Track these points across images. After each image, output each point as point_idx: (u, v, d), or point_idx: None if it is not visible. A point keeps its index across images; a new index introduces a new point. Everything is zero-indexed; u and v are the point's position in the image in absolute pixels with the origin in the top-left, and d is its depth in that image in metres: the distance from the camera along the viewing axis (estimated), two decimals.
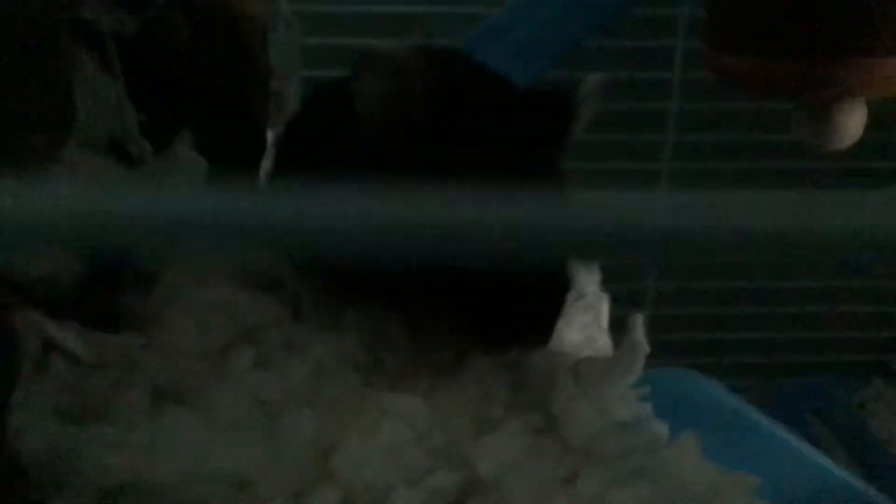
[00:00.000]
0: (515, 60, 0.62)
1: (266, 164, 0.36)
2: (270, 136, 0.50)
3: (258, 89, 0.34)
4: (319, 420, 0.22)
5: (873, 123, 0.53)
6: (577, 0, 0.60)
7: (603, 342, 0.36)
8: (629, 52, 0.70)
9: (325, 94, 0.34)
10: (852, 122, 0.52)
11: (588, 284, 0.38)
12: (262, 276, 0.30)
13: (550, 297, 0.29)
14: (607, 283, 0.39)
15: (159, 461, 0.21)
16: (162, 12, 0.26)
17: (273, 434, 0.22)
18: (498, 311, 0.27)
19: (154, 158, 0.29)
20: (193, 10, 0.28)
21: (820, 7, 0.46)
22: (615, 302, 0.38)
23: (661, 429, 0.29)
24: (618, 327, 0.32)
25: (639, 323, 0.32)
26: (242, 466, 0.22)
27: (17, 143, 0.22)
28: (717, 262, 0.79)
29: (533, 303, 0.28)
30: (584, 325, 0.36)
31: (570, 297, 0.30)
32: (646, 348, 0.32)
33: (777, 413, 0.89)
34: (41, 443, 0.21)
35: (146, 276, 0.29)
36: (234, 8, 0.31)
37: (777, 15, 0.48)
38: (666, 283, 0.81)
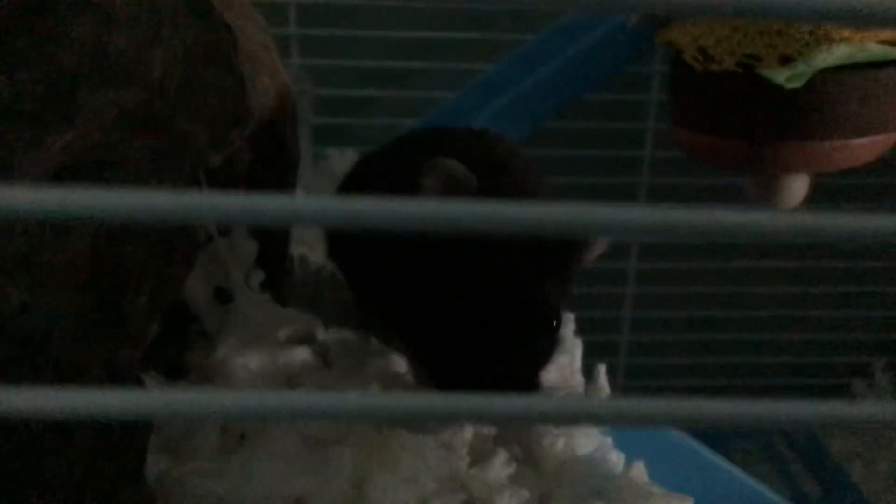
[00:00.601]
0: (507, 117, 0.65)
1: None
2: None
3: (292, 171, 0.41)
4: (354, 454, 0.30)
5: None
6: (571, 62, 0.65)
7: (576, 382, 0.42)
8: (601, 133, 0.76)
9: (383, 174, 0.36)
10: (795, 191, 0.59)
11: (565, 330, 0.44)
12: (297, 331, 0.36)
13: (543, 339, 0.31)
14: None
15: (237, 486, 0.28)
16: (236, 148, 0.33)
17: (320, 466, 0.29)
18: (488, 353, 0.29)
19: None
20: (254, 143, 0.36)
21: (761, 96, 0.53)
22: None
23: (618, 458, 0.37)
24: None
25: (602, 371, 0.40)
26: (299, 489, 0.29)
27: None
28: (694, 267, 0.83)
29: (524, 346, 0.30)
30: (561, 366, 0.42)
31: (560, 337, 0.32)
32: (608, 391, 0.39)
33: (744, 434, 0.95)
34: (153, 477, 0.28)
35: (209, 336, 0.36)
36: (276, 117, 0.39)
37: (725, 101, 0.55)
38: (644, 288, 0.86)
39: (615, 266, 0.85)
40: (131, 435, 0.25)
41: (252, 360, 0.34)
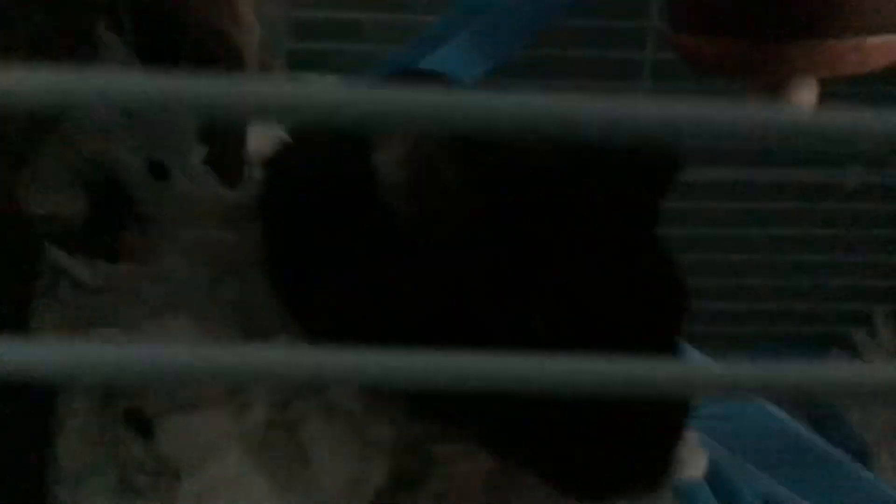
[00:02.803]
0: (458, 61, 0.62)
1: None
2: None
3: (242, 65, 0.37)
4: None
5: None
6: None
7: None
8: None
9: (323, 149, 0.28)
10: (802, 99, 0.56)
11: None
12: (244, 213, 0.33)
13: (667, 431, 0.24)
14: None
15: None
16: None
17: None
18: (603, 453, 0.23)
19: None
20: None
21: None
22: None
23: None
24: None
25: None
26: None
27: None
28: (680, 233, 0.82)
29: (646, 440, 0.23)
30: None
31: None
32: None
33: None
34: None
35: (144, 216, 0.32)
36: None
37: None
38: None
39: None
40: None
41: (188, 244, 0.31)
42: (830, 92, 0.57)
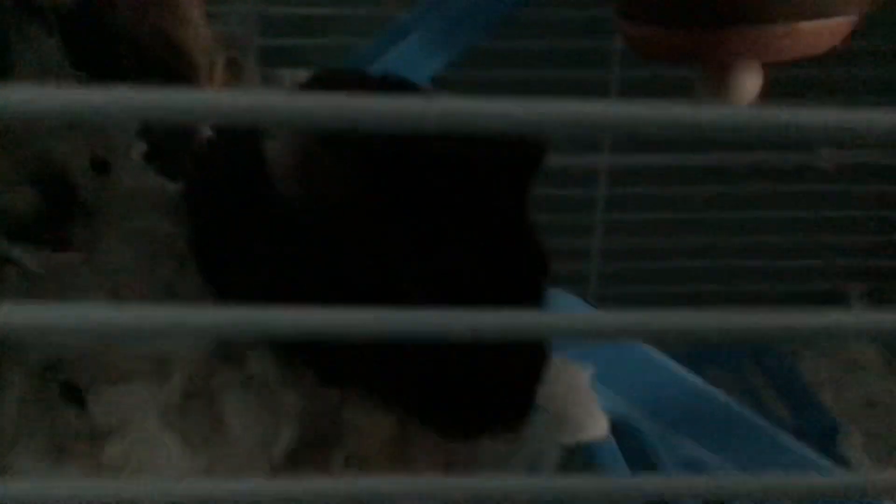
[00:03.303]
0: (424, 52, 0.63)
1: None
2: None
3: (189, 62, 0.39)
4: None
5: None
6: None
7: None
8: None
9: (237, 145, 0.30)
10: (748, 85, 0.57)
11: None
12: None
13: (527, 372, 0.26)
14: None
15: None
16: None
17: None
18: (467, 394, 0.25)
19: None
20: None
21: None
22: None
23: None
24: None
25: None
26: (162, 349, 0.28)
27: None
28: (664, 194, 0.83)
29: (507, 382, 0.25)
30: None
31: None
32: None
33: (716, 359, 0.95)
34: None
35: (88, 208, 0.35)
36: None
37: None
38: (614, 215, 0.84)
39: (584, 194, 0.83)
40: None
41: (127, 233, 0.33)
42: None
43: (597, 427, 0.31)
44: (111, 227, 0.34)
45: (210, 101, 0.13)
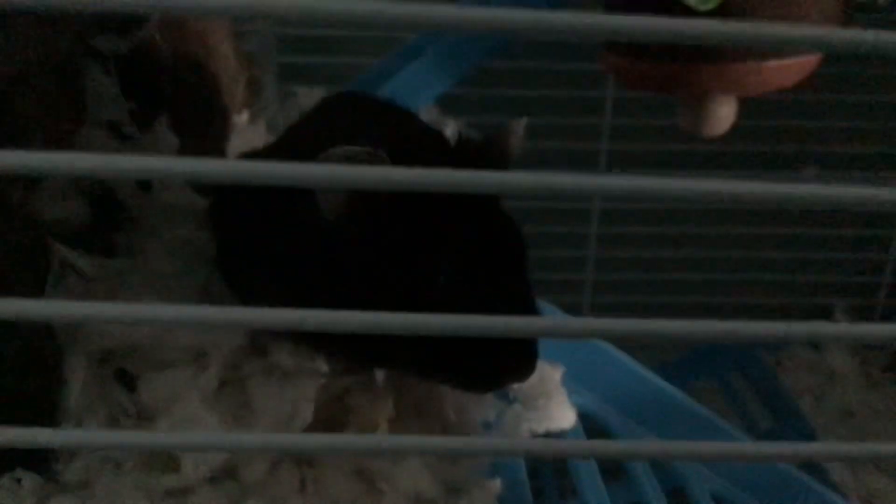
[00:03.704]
0: (433, 73, 0.67)
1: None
2: (245, 117, 0.60)
3: (217, 86, 0.45)
4: None
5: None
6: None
7: None
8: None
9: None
10: (723, 113, 0.61)
11: None
12: None
13: (525, 347, 0.30)
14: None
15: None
16: (145, 36, 0.37)
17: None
18: (482, 353, 0.30)
19: (141, 135, 0.41)
20: (170, 30, 0.39)
21: (678, 17, 0.56)
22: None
23: None
24: None
25: None
26: (200, 343, 0.33)
27: (49, 128, 0.34)
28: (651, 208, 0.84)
29: (512, 344, 0.30)
30: None
31: None
32: None
33: (703, 369, 0.99)
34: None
35: (133, 220, 0.40)
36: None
37: None
38: (606, 228, 0.88)
39: (578, 206, 0.87)
40: None
41: (167, 242, 0.39)
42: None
43: (565, 419, 0.36)
44: (153, 237, 0.39)
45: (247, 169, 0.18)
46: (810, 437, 0.85)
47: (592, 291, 0.91)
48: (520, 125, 0.34)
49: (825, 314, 0.95)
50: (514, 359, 0.30)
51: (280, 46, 0.80)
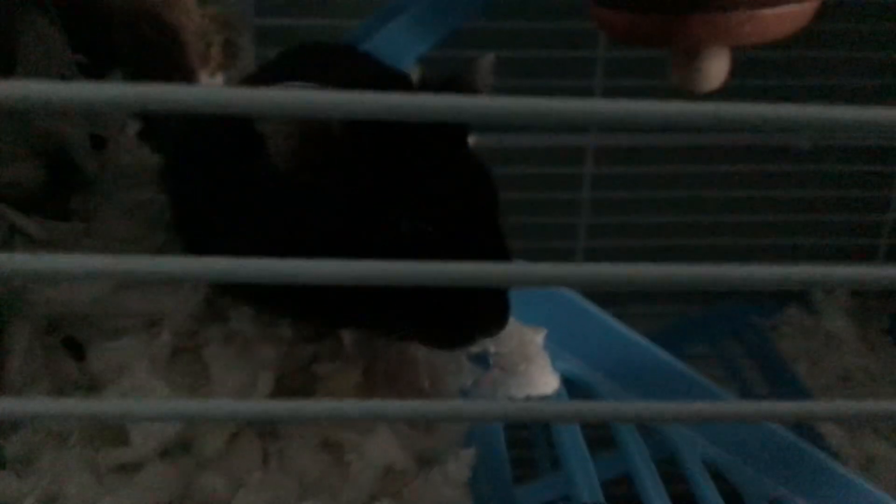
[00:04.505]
0: (414, 31, 0.65)
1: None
2: (221, 79, 0.57)
3: (177, 40, 0.42)
4: None
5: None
6: None
7: None
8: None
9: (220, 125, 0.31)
10: (715, 68, 0.59)
11: None
12: None
13: (495, 299, 0.29)
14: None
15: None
16: None
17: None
18: (449, 307, 0.28)
19: None
20: None
21: None
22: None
23: None
24: None
25: None
26: (153, 309, 0.31)
27: None
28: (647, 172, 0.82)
29: (483, 298, 0.28)
30: None
31: None
32: None
33: (698, 335, 0.97)
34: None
35: (92, 183, 0.38)
36: None
37: None
38: (600, 193, 0.86)
39: (570, 171, 0.85)
40: None
41: (123, 205, 0.36)
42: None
43: (547, 384, 0.34)
44: (108, 199, 0.37)
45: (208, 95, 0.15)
46: None
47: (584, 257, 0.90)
48: (488, 61, 0.32)
49: (801, 297, 0.92)
50: (484, 311, 0.29)
51: (258, 8, 0.78)
